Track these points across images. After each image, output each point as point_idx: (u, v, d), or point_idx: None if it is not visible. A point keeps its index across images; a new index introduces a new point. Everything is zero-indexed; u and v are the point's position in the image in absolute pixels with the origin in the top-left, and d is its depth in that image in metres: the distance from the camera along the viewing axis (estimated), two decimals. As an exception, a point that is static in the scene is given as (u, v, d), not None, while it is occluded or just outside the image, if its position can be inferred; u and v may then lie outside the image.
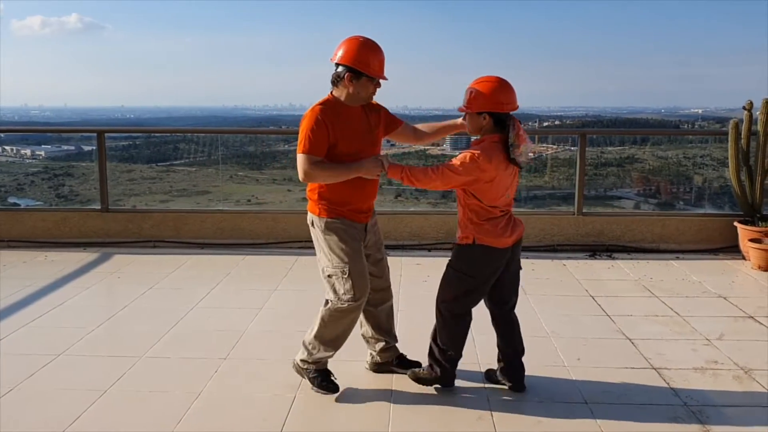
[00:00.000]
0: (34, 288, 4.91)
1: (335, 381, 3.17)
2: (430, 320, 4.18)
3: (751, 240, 5.51)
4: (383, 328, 3.35)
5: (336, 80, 2.98)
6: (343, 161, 2.95)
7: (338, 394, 3.14)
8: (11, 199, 8.18)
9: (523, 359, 3.16)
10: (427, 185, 2.95)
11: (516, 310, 3.20)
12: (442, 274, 3.13)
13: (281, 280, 5.15)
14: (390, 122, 3.23)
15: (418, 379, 3.24)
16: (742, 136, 5.83)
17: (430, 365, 3.20)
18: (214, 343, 3.81)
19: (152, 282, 5.05)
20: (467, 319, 3.14)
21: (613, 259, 5.80)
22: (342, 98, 2.99)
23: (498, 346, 3.22)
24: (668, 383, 3.30)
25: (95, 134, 6.47)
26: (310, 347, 3.14)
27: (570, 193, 6.38)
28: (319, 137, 2.89)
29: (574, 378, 3.36)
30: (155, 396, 3.18)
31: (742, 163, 5.83)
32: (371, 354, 3.41)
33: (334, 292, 3.03)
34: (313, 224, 3.09)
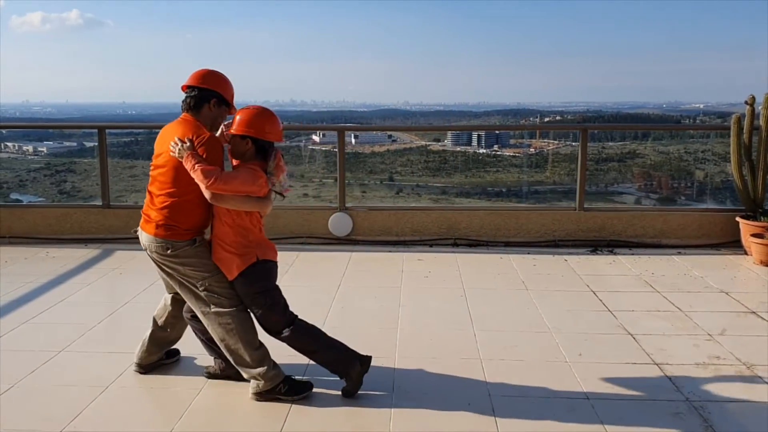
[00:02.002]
0: (36, 284, 4.91)
1: (302, 380, 3.19)
2: (431, 315, 4.19)
3: (753, 235, 5.50)
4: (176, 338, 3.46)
5: (198, 103, 2.98)
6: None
7: (340, 391, 3.14)
8: (13, 195, 8.19)
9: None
10: (212, 186, 2.82)
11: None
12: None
13: (282, 276, 5.11)
14: None
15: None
16: (744, 131, 5.81)
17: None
18: (215, 339, 3.81)
19: (154, 278, 5.03)
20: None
21: (615, 254, 5.80)
22: (204, 123, 3.00)
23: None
24: (670, 379, 3.30)
25: (96, 130, 6.47)
26: (260, 372, 3.06)
27: (571, 188, 6.36)
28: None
29: (575, 373, 3.36)
30: (156, 392, 3.19)
31: (744, 158, 5.82)
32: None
33: (220, 296, 3.02)
34: (173, 249, 2.97)
